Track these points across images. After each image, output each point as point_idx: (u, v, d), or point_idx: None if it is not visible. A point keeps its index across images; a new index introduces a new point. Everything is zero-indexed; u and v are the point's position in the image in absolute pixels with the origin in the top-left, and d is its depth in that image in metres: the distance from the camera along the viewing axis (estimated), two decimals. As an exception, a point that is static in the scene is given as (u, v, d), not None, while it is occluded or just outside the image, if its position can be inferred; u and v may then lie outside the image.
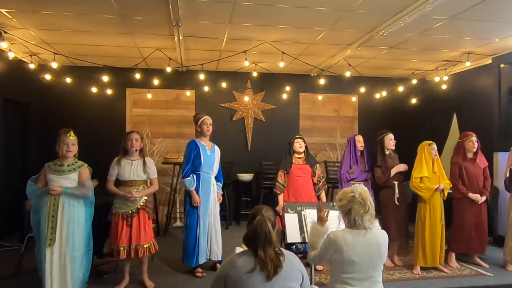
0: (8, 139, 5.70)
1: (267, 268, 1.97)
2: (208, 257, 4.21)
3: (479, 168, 4.45)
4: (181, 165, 6.19)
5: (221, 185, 4.45)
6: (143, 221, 3.80)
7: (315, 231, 2.57)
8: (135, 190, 3.77)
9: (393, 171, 4.50)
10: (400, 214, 4.51)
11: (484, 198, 4.40)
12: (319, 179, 4.55)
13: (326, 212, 2.62)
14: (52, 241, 3.32)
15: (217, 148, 4.44)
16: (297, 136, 4.63)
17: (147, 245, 3.80)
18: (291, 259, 2.10)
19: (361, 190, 2.30)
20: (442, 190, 4.24)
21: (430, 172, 4.28)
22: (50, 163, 3.52)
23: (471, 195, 4.35)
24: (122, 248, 3.69)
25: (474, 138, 4.45)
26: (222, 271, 2.06)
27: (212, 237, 4.23)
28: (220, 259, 4.25)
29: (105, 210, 4.04)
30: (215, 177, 4.38)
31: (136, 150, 3.86)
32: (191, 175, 4.20)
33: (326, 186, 4.74)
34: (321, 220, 2.61)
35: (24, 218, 4.30)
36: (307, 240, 3.22)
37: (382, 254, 2.28)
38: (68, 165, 3.48)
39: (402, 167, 4.54)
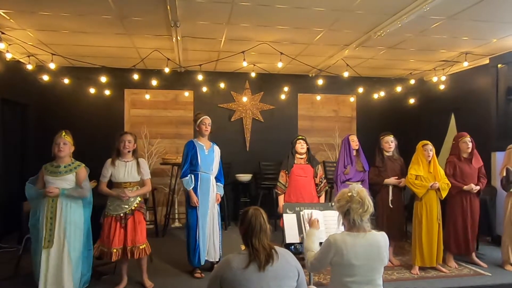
0: (6, 140, 5.69)
1: (259, 257, 2.00)
2: (205, 258, 4.20)
3: (474, 169, 4.44)
4: (179, 166, 6.24)
5: (221, 185, 4.43)
6: (138, 222, 3.75)
7: (309, 233, 2.70)
8: (129, 191, 3.73)
9: (386, 181, 4.52)
10: (395, 216, 4.52)
11: (478, 187, 4.37)
12: (320, 179, 4.55)
13: (316, 220, 2.87)
14: (51, 243, 3.31)
15: (216, 148, 4.42)
16: (299, 137, 4.61)
17: (143, 247, 3.76)
18: (286, 257, 2.11)
19: (359, 189, 2.28)
20: (438, 189, 4.25)
21: (426, 171, 4.29)
22: (47, 164, 3.50)
23: (466, 187, 4.33)
24: (114, 251, 3.61)
25: (468, 139, 4.44)
26: (217, 272, 2.07)
27: (210, 238, 4.22)
28: (217, 260, 4.22)
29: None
30: (216, 177, 4.36)
31: (129, 152, 3.82)
32: (189, 175, 4.20)
33: (327, 187, 4.73)
34: (313, 224, 2.82)
35: (22, 219, 4.30)
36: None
37: (383, 257, 2.25)
38: (64, 166, 3.47)
39: (394, 181, 4.52)
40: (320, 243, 2.44)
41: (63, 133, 3.51)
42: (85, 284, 3.61)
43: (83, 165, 3.60)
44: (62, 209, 3.37)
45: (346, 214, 2.27)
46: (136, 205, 3.78)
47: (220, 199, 4.39)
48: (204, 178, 4.24)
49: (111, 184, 3.80)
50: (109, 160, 3.80)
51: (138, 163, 3.84)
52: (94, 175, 3.86)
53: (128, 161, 3.81)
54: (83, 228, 3.52)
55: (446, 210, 4.47)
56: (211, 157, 4.30)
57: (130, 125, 6.88)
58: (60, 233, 3.35)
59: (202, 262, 4.17)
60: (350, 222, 2.26)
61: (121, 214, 3.69)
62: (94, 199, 3.73)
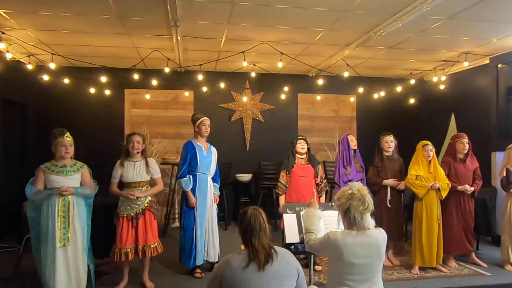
0: (6, 140, 5.69)
1: (259, 257, 2.00)
2: (205, 259, 4.20)
3: (469, 170, 4.44)
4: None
5: (217, 185, 4.43)
6: (149, 222, 3.82)
7: (308, 213, 2.72)
8: (139, 191, 3.78)
9: (384, 182, 4.53)
10: (394, 216, 4.53)
11: (472, 188, 4.37)
12: (321, 179, 4.55)
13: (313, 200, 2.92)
14: (67, 241, 3.32)
15: (213, 149, 4.43)
16: (300, 137, 4.58)
17: (154, 245, 3.83)
18: (286, 257, 2.11)
19: (359, 187, 2.29)
20: (439, 189, 4.24)
21: (426, 172, 4.29)
22: (46, 164, 3.46)
23: (460, 187, 4.34)
24: (128, 250, 3.70)
25: (466, 140, 4.43)
26: (217, 272, 2.07)
27: (209, 239, 4.22)
28: (217, 260, 4.22)
29: (106, 211, 4.04)
30: (212, 178, 4.37)
31: (138, 152, 3.86)
32: (187, 176, 4.20)
33: (327, 187, 4.72)
34: (313, 204, 2.85)
35: (22, 219, 4.28)
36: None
37: (382, 255, 2.26)
38: (71, 166, 3.48)
39: (394, 183, 4.52)
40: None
41: (67, 134, 3.50)
42: (94, 280, 3.64)
43: (86, 165, 3.62)
44: (74, 208, 3.39)
45: (346, 212, 2.26)
46: (146, 205, 3.82)
47: (218, 199, 4.41)
48: (202, 179, 4.24)
49: (121, 184, 3.85)
50: (118, 161, 3.85)
51: (147, 163, 3.87)
52: (95, 174, 3.86)
53: (137, 161, 3.85)
54: (86, 227, 3.54)
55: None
56: (209, 158, 4.31)
57: (130, 125, 6.88)
58: (76, 231, 3.38)
59: (198, 263, 4.16)
60: (350, 220, 2.26)
61: (132, 214, 3.75)
62: (99, 198, 3.74)
